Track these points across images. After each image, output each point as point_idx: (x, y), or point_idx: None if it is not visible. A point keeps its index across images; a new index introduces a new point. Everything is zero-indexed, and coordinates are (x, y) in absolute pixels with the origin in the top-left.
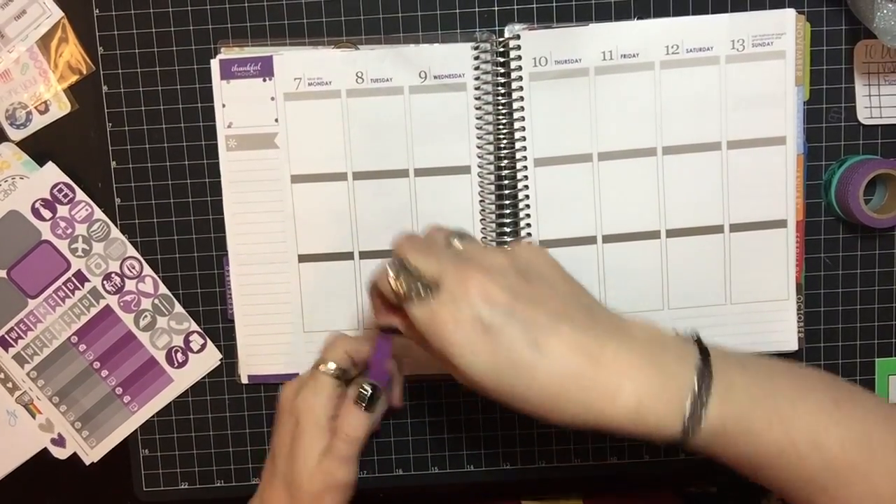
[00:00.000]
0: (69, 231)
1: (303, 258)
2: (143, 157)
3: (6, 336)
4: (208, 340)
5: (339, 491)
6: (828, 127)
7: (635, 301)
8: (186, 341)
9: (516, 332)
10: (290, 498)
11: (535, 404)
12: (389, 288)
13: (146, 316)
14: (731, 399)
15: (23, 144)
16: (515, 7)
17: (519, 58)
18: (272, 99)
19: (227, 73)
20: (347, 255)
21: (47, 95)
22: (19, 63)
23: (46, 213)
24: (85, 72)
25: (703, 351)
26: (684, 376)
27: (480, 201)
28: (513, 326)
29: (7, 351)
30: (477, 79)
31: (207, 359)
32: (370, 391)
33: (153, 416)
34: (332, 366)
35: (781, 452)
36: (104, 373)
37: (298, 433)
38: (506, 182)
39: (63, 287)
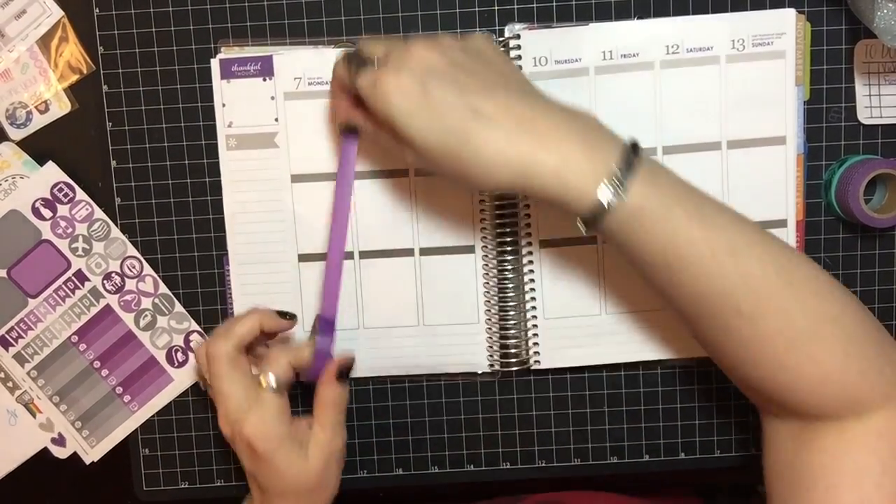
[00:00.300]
0: (69, 230)
1: (303, 258)
2: (144, 156)
3: (6, 335)
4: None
5: (340, 455)
6: (828, 127)
7: (636, 300)
8: (186, 341)
9: (453, 96)
10: (297, 496)
11: (468, 167)
12: (342, 72)
13: (146, 315)
14: (655, 183)
15: (23, 144)
16: (515, 7)
17: (519, 57)
18: (272, 98)
19: (228, 72)
20: (347, 255)
21: (47, 95)
22: (19, 62)
23: (47, 213)
24: (85, 71)
25: (636, 145)
26: (612, 150)
27: (480, 201)
28: (450, 90)
29: (7, 350)
30: None
31: None
32: (344, 371)
33: (153, 416)
34: (272, 379)
35: (698, 252)
36: (104, 372)
37: (266, 455)
38: None
39: (63, 286)
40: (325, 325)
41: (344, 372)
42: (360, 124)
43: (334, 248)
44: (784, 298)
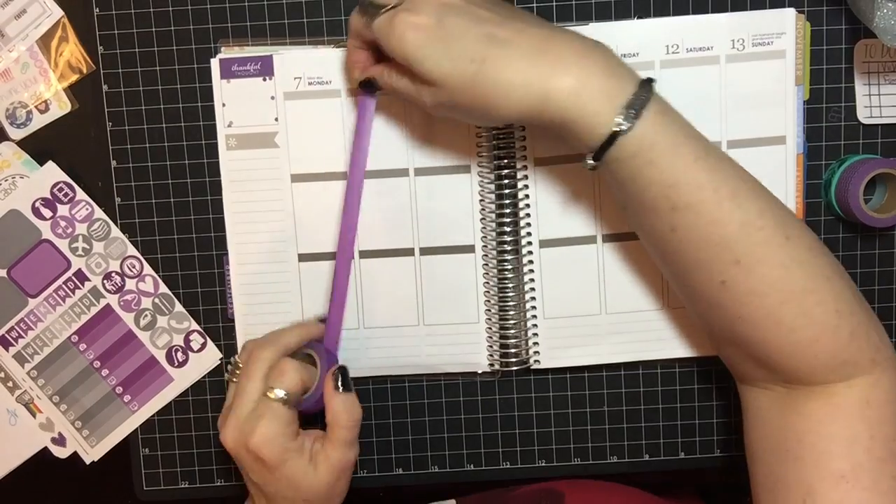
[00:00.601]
0: (69, 230)
1: (303, 257)
2: (144, 156)
3: (6, 335)
4: (208, 339)
5: (350, 470)
6: (828, 126)
7: (636, 300)
8: (186, 340)
9: (468, 24)
10: (307, 503)
11: (487, 93)
12: (357, 23)
13: (146, 315)
14: (666, 120)
15: (23, 143)
16: (515, 7)
17: None
18: (272, 98)
19: (228, 72)
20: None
21: (47, 94)
22: (19, 62)
23: (47, 213)
24: (85, 71)
25: (651, 79)
26: (629, 79)
27: (480, 200)
28: (465, 19)
29: (7, 350)
30: None
31: (208, 358)
32: (341, 375)
33: (153, 416)
34: (281, 393)
35: (703, 196)
36: (104, 372)
37: (275, 465)
38: (506, 181)
39: (63, 286)
40: (329, 356)
41: (342, 381)
42: (377, 76)
43: (341, 268)
44: (782, 251)
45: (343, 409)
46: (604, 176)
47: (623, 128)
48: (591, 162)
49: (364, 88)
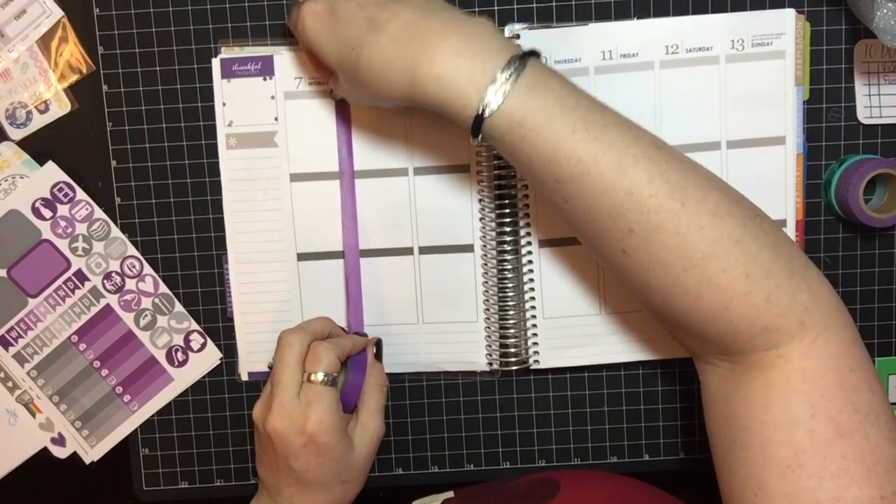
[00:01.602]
0: (69, 230)
1: (302, 256)
2: (144, 156)
3: (6, 335)
4: (208, 339)
5: (379, 441)
6: (828, 126)
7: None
8: (186, 340)
9: (354, 10)
10: (341, 485)
11: (367, 77)
12: (290, 25)
13: (146, 315)
14: (541, 93)
15: (23, 144)
16: (515, 7)
17: None
18: (272, 98)
19: (228, 72)
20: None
21: (47, 95)
22: (19, 62)
23: (47, 213)
24: (85, 71)
25: (531, 53)
26: (498, 56)
27: (480, 200)
28: (352, 5)
29: (7, 350)
30: None
31: (207, 358)
32: (378, 347)
33: (153, 416)
34: (321, 376)
35: (583, 167)
36: (104, 372)
37: (326, 447)
38: (505, 181)
39: (63, 286)
40: (356, 361)
41: (378, 352)
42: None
43: (351, 274)
44: (677, 217)
45: (379, 374)
46: (497, 149)
47: (488, 107)
48: (474, 140)
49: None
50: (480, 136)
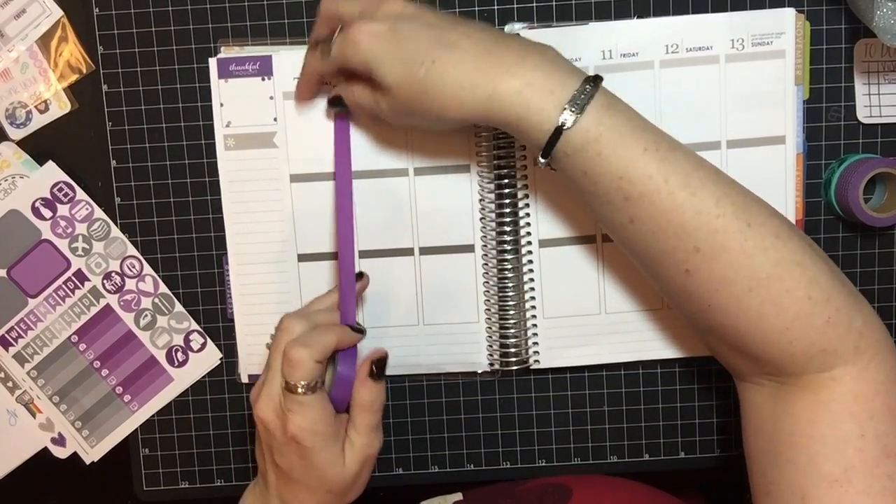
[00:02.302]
0: (69, 230)
1: (302, 257)
2: (144, 155)
3: (6, 335)
4: (208, 340)
5: (373, 459)
6: (827, 126)
7: (636, 300)
8: (186, 340)
9: (420, 29)
10: (329, 493)
11: (437, 95)
12: (313, 60)
13: (146, 315)
14: (613, 113)
15: (23, 143)
16: (515, 6)
17: None
18: (271, 98)
19: (225, 72)
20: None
21: (47, 94)
22: (19, 62)
23: (46, 213)
24: (85, 71)
25: (598, 76)
26: (573, 77)
27: (480, 200)
28: (417, 25)
29: (7, 350)
30: None
31: (207, 358)
32: (379, 366)
33: (153, 416)
34: (302, 383)
35: (654, 185)
36: (104, 372)
37: (310, 451)
38: (505, 181)
39: (63, 286)
40: (345, 357)
41: (378, 369)
42: (342, 93)
43: (344, 269)
44: (743, 238)
45: (369, 395)
46: (561, 173)
47: (566, 123)
48: (543, 160)
49: (334, 106)
50: (551, 157)
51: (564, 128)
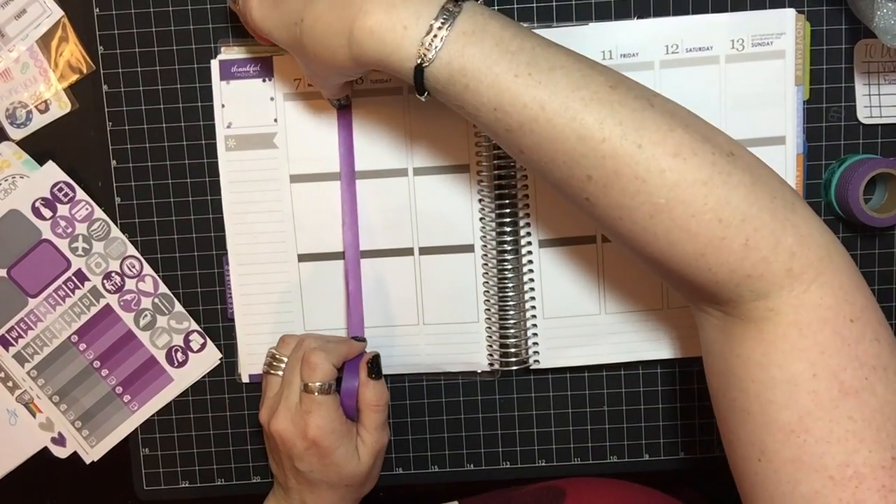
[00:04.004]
0: (69, 230)
1: (302, 257)
2: (144, 156)
3: (6, 335)
4: (208, 340)
5: (383, 453)
6: (828, 126)
7: (636, 300)
8: (186, 340)
9: None
10: (347, 488)
11: (313, 49)
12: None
13: (146, 315)
14: (477, 40)
15: (23, 143)
16: (515, 7)
17: None
18: (272, 99)
19: (227, 73)
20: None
21: (47, 94)
22: (19, 62)
23: (47, 213)
24: (85, 71)
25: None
26: (432, 5)
27: (479, 200)
28: None
29: (7, 350)
30: None
31: (207, 358)
32: (373, 364)
33: (153, 415)
34: (318, 384)
35: (531, 114)
36: (104, 372)
37: (328, 451)
38: (505, 181)
39: (63, 286)
40: (350, 367)
41: (373, 368)
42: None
43: (352, 284)
44: (633, 161)
45: (373, 394)
46: (447, 104)
47: (424, 58)
48: (421, 97)
49: (338, 105)
50: (427, 92)
51: (423, 65)
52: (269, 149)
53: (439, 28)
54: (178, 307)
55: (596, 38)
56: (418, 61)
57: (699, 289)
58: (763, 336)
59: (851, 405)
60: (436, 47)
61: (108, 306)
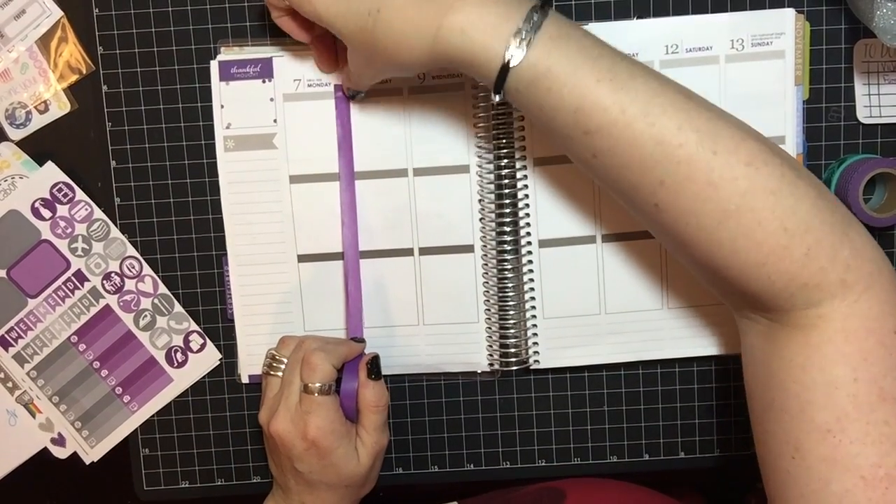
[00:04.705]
0: (69, 230)
1: (302, 258)
2: (143, 156)
3: (6, 336)
4: (208, 340)
5: (383, 454)
6: (827, 126)
7: (636, 300)
8: (186, 341)
9: None
10: (347, 489)
11: (386, 44)
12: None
13: (146, 315)
14: (564, 43)
15: (22, 144)
16: None
17: None
18: (271, 100)
19: (226, 74)
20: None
21: (47, 95)
22: (19, 62)
23: (46, 213)
24: (85, 71)
25: (545, 3)
26: (517, 9)
27: (480, 200)
28: None
29: (7, 350)
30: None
31: (207, 358)
32: (373, 365)
33: (153, 416)
34: (318, 385)
35: (610, 118)
36: (104, 372)
37: (327, 451)
38: (505, 181)
39: (63, 287)
40: (349, 368)
41: (373, 369)
42: (302, 39)
43: (352, 286)
44: (708, 167)
45: (373, 395)
46: (520, 108)
47: (512, 59)
48: (497, 97)
49: (341, 94)
50: (503, 92)
51: (511, 65)
52: (268, 149)
53: (528, 31)
54: (178, 308)
55: None
56: (506, 61)
57: (753, 296)
58: (808, 341)
59: (889, 410)
60: (524, 49)
61: (107, 307)
